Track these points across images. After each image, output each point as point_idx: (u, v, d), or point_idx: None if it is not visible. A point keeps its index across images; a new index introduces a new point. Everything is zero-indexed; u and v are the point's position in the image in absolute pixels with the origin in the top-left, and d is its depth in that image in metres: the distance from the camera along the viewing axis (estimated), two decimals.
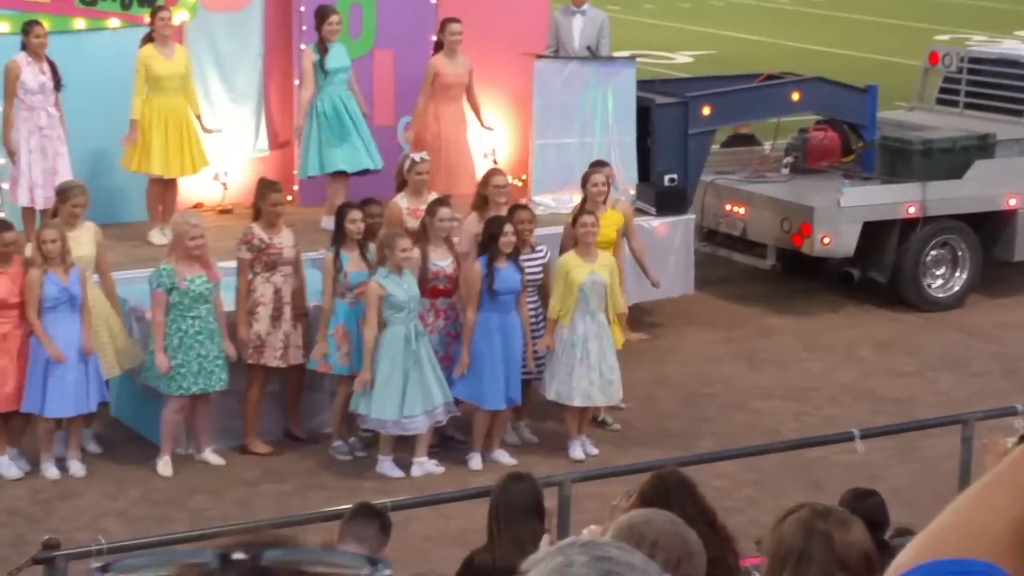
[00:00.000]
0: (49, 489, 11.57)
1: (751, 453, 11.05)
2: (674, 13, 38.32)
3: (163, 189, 14.09)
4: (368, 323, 11.70)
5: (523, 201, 13.80)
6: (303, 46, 14.59)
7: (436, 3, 15.39)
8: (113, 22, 14.34)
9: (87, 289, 11.80)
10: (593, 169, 13.28)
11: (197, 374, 11.78)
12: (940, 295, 16.32)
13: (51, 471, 11.74)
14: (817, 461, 11.77)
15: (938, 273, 16.31)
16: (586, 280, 12.16)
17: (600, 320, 12.28)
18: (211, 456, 12.09)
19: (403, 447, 12.02)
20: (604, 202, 13.04)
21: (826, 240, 15.64)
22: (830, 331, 15.67)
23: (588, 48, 15.38)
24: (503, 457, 12.17)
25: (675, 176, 15.12)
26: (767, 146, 17.86)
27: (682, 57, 31.21)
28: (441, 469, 11.98)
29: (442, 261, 12.13)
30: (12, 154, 13.28)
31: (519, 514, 7.16)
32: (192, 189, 14.85)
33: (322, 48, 14.21)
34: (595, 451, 12.43)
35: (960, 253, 16.29)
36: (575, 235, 12.37)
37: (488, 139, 15.80)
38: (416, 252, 11.97)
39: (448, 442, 12.42)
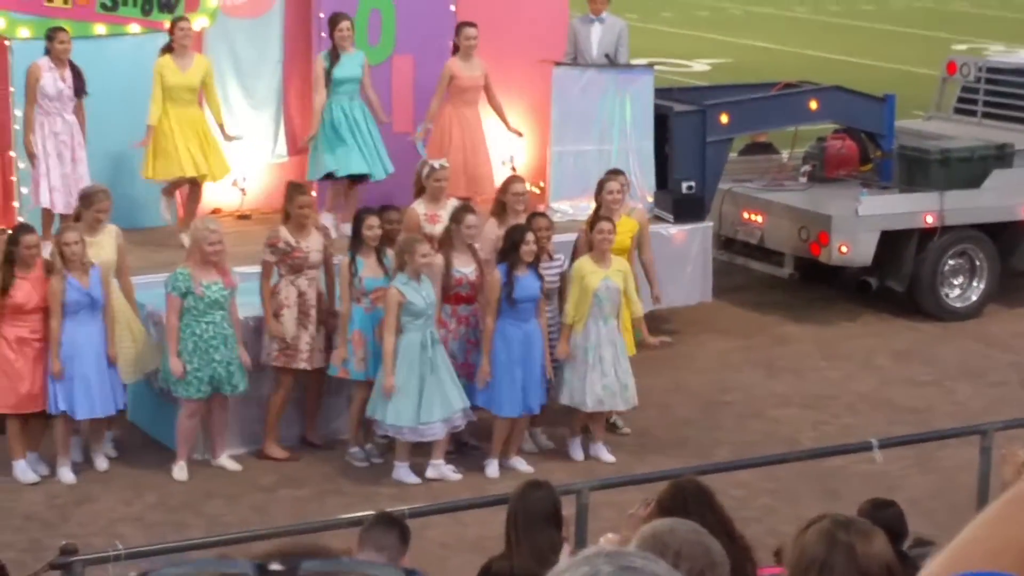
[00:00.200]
0: (65, 494, 11.58)
1: (769, 462, 11.03)
2: (692, 21, 38.32)
3: (187, 202, 14.11)
4: (388, 329, 11.70)
5: (541, 208, 13.80)
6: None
7: (455, 10, 15.40)
8: (133, 28, 14.38)
9: (109, 292, 11.82)
10: (608, 177, 13.28)
11: (211, 379, 11.80)
12: (958, 304, 16.29)
13: (67, 475, 11.76)
14: (835, 471, 11.75)
15: (956, 282, 16.28)
16: (600, 286, 12.17)
17: (613, 325, 12.30)
18: (227, 462, 12.10)
19: (419, 453, 12.02)
20: (618, 209, 13.04)
21: (844, 249, 15.62)
22: (848, 340, 15.64)
23: (606, 56, 15.38)
24: (520, 464, 12.17)
25: (693, 184, 15.12)
26: (785, 154, 17.85)
27: (699, 65, 31.20)
28: (458, 476, 11.97)
29: (465, 268, 12.12)
30: (32, 156, 13.32)
31: (537, 522, 7.16)
32: (211, 194, 14.87)
33: (334, 55, 14.23)
34: (612, 459, 12.43)
35: (978, 262, 16.26)
36: (591, 241, 12.37)
37: (506, 146, 15.80)
38: (437, 257, 11.97)
39: (464, 448, 12.42)
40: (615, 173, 13.42)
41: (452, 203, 12.93)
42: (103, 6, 14.24)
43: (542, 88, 15.22)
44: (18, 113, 13.67)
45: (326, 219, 13.87)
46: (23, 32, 13.85)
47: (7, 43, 13.93)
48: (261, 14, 15.09)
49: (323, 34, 14.69)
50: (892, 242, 15.79)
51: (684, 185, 15.09)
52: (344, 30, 14.19)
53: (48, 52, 13.33)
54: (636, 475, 10.55)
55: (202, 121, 13.95)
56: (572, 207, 14.61)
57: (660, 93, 15.59)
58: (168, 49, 13.82)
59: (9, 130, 13.79)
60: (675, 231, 14.87)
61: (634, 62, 16.09)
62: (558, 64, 15.19)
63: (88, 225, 12.08)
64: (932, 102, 18.63)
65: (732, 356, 15.12)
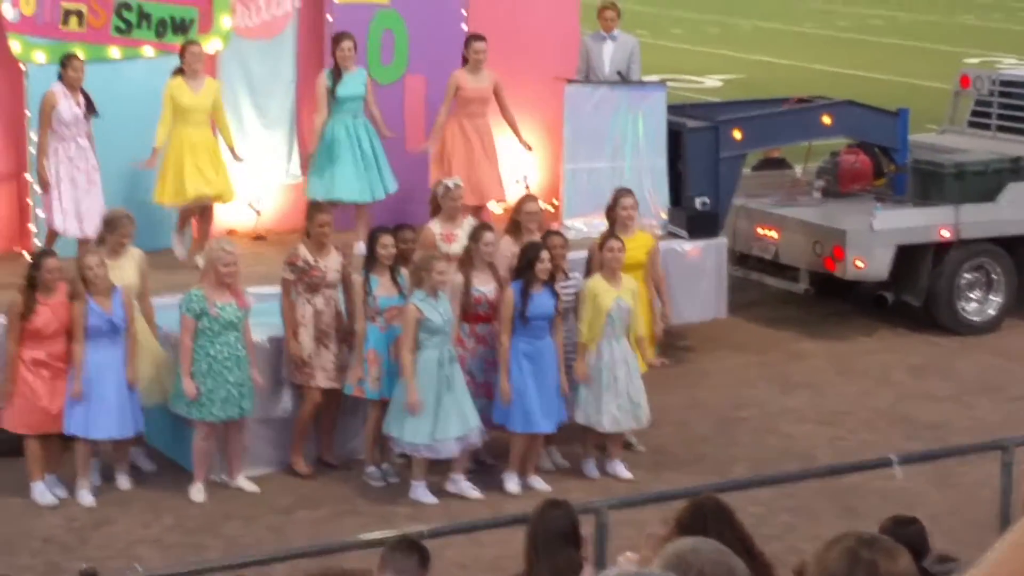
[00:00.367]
0: (83, 516, 11.58)
1: (788, 479, 10.99)
2: (703, 38, 38.35)
3: (199, 225, 14.14)
4: (406, 346, 11.70)
5: (555, 226, 13.79)
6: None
7: (467, 29, 15.42)
8: (147, 51, 14.41)
9: (132, 315, 11.83)
10: (621, 193, 13.29)
11: (225, 401, 11.79)
12: (975, 318, 16.25)
13: (86, 498, 11.76)
14: (853, 487, 11.70)
15: (972, 296, 16.25)
16: (613, 305, 12.17)
17: (625, 344, 12.29)
18: (244, 483, 12.10)
19: (436, 472, 12.00)
20: (632, 224, 13.05)
21: (859, 263, 15.59)
22: (864, 355, 15.61)
23: (618, 73, 15.38)
24: (538, 483, 12.15)
25: (707, 200, 15.12)
26: (798, 170, 17.83)
27: (711, 81, 31.22)
28: (477, 492, 11.95)
29: (484, 287, 12.12)
30: (45, 183, 13.34)
31: (556, 541, 7.13)
32: (225, 215, 14.89)
33: (336, 74, 14.26)
34: (629, 475, 12.42)
35: (994, 276, 16.23)
36: (601, 259, 12.35)
37: (520, 164, 15.82)
38: (456, 276, 11.95)
39: (482, 467, 12.41)
40: (627, 190, 13.44)
41: (468, 222, 12.93)
42: (117, 29, 14.28)
43: (554, 106, 15.24)
44: (33, 136, 13.70)
45: (360, 248, 13.85)
46: (38, 56, 13.89)
47: (23, 67, 13.96)
48: (274, 35, 15.12)
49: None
50: (908, 256, 15.76)
51: (698, 201, 15.08)
52: (346, 49, 14.24)
53: (61, 78, 13.37)
54: (654, 493, 10.50)
55: (211, 143, 13.99)
56: (586, 224, 14.60)
57: (673, 109, 15.59)
58: (179, 72, 13.86)
59: (25, 153, 13.83)
60: (689, 247, 14.85)
61: (646, 79, 16.08)
62: (570, 81, 15.21)
63: (111, 249, 12.12)
64: (946, 116, 18.60)
65: (748, 372, 15.09)
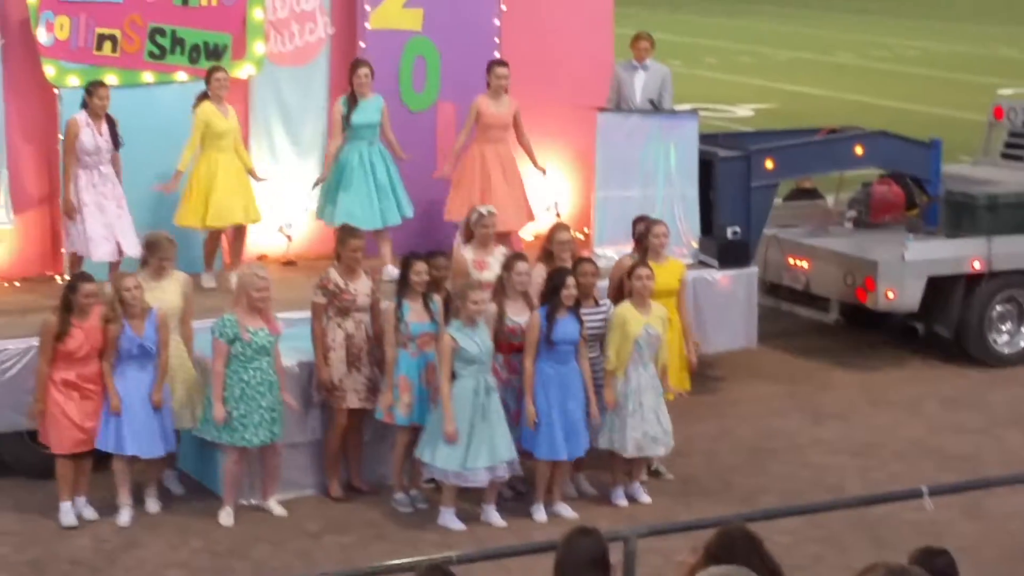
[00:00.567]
0: (112, 539, 11.61)
1: (817, 509, 10.94)
2: (735, 67, 38.37)
3: (232, 246, 14.21)
4: (444, 376, 11.71)
5: (586, 254, 13.80)
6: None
7: (499, 56, 15.45)
8: (180, 76, 14.48)
9: (167, 338, 11.88)
10: (654, 221, 13.31)
11: (258, 425, 11.82)
12: (1006, 350, 16.21)
13: (124, 516, 11.84)
14: (883, 518, 11.66)
15: (1004, 328, 16.20)
16: (642, 332, 12.16)
17: (652, 371, 12.29)
18: (275, 506, 12.12)
19: (466, 499, 11.99)
20: (663, 252, 13.08)
21: (890, 294, 15.57)
22: (895, 386, 15.56)
23: (650, 101, 15.40)
24: (565, 510, 12.14)
25: (738, 229, 15.11)
26: (830, 200, 17.82)
27: (743, 110, 31.22)
28: (503, 523, 11.93)
29: (519, 317, 12.11)
30: (70, 209, 13.40)
31: (584, 569, 7.10)
32: (256, 241, 14.95)
33: (352, 101, 14.32)
34: (648, 499, 12.42)
35: None
36: (631, 287, 12.34)
37: (551, 192, 15.85)
38: (490, 305, 11.96)
39: (516, 493, 12.39)
40: (644, 216, 13.50)
41: (501, 250, 12.96)
42: (151, 55, 14.36)
43: (586, 134, 15.26)
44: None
45: (389, 271, 13.91)
46: (72, 81, 13.97)
47: (56, 91, 14.05)
48: (307, 62, 15.19)
49: None
50: (939, 288, 15.74)
51: (729, 230, 15.07)
52: (362, 76, 14.30)
53: (86, 106, 13.43)
54: (684, 522, 10.48)
55: (239, 166, 14.09)
56: (617, 252, 14.57)
57: (704, 139, 15.60)
58: (205, 96, 13.93)
59: (58, 177, 13.89)
60: (720, 276, 14.85)
61: (678, 108, 16.11)
62: (602, 110, 15.23)
63: (153, 271, 12.22)
64: (980, 147, 18.57)
65: (778, 402, 15.07)
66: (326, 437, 12.38)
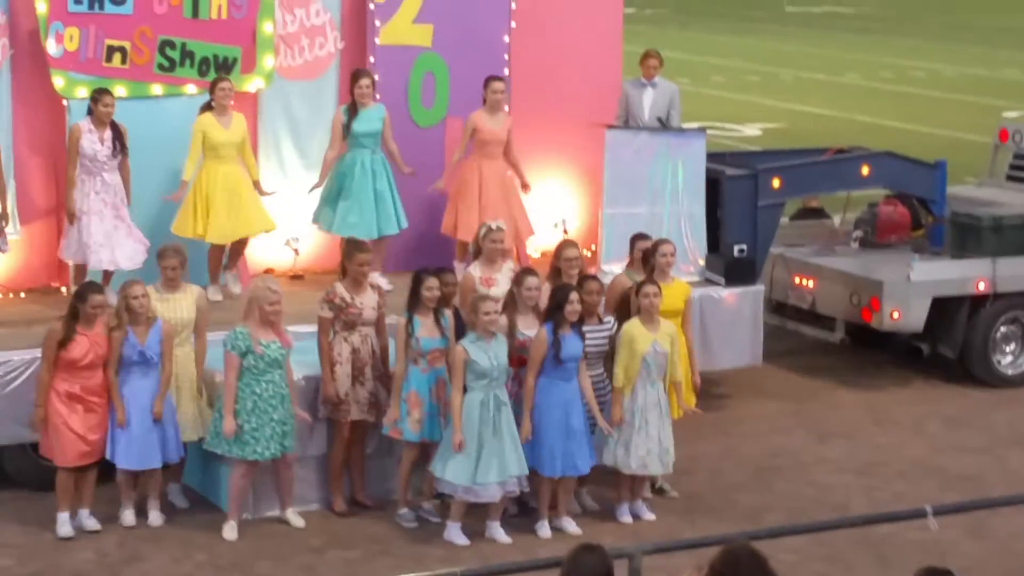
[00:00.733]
0: (115, 552, 11.61)
1: (821, 528, 10.96)
2: (743, 86, 38.41)
3: (231, 249, 14.25)
4: (455, 387, 11.73)
5: (593, 271, 13.81)
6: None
7: (508, 73, 15.49)
8: (190, 88, 14.50)
9: (170, 351, 11.90)
10: (660, 240, 13.33)
11: (270, 439, 11.83)
12: (1010, 371, 16.22)
13: (128, 518, 11.90)
14: (887, 537, 11.67)
15: (1008, 349, 16.22)
16: (649, 349, 12.17)
17: (659, 389, 12.30)
18: (293, 517, 12.13)
19: (474, 516, 11.99)
20: (670, 271, 13.09)
21: (895, 315, 15.58)
22: (899, 406, 15.58)
23: (658, 119, 15.43)
24: (570, 526, 12.14)
25: (744, 247, 15.13)
26: (836, 220, 17.85)
27: (750, 129, 31.25)
28: (508, 540, 11.93)
29: (529, 331, 12.11)
30: (72, 215, 13.46)
31: None
32: (263, 254, 14.97)
33: (352, 110, 14.35)
34: (652, 516, 12.42)
35: None
36: (639, 305, 12.36)
37: (558, 208, 15.88)
38: (501, 319, 11.96)
39: (527, 510, 12.38)
40: (646, 234, 13.53)
41: (509, 266, 12.97)
42: (160, 67, 14.39)
43: (593, 151, 15.28)
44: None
45: (374, 278, 13.95)
46: (81, 92, 13.98)
47: (65, 103, 14.08)
48: (317, 76, 15.21)
49: (378, 96, 14.79)
50: (944, 308, 15.76)
51: (736, 248, 15.09)
52: (364, 87, 14.33)
53: (91, 112, 13.47)
54: (689, 539, 10.51)
55: (241, 177, 14.09)
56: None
57: (712, 157, 15.63)
58: (207, 107, 13.97)
59: (64, 190, 13.88)
60: (726, 294, 14.87)
61: (686, 126, 16.14)
62: (610, 127, 15.26)
63: (163, 281, 12.24)
64: (985, 168, 18.59)
65: (783, 420, 15.08)
66: (329, 451, 12.39)
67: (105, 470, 11.93)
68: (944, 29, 53.40)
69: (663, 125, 15.39)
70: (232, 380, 11.78)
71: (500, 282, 12.69)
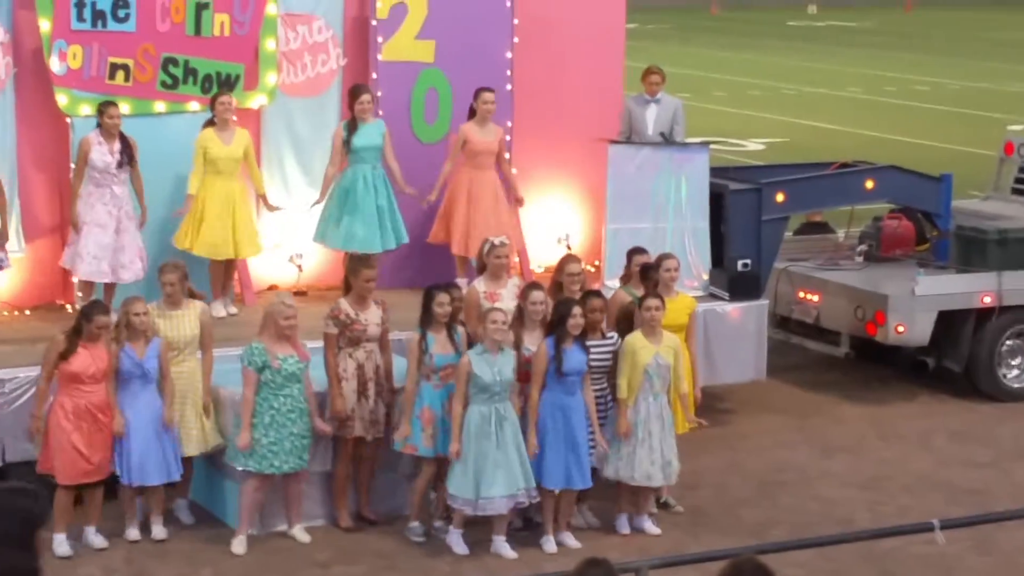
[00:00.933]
0: (122, 568, 11.60)
1: (827, 542, 10.95)
2: (746, 100, 38.40)
3: (226, 266, 14.28)
4: (458, 397, 11.75)
5: (596, 286, 13.81)
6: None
7: (511, 88, 15.51)
8: (193, 105, 14.53)
9: (167, 368, 11.90)
10: (664, 254, 13.33)
11: (289, 452, 11.84)
12: (1016, 385, 16.19)
13: (132, 533, 11.90)
14: (892, 552, 11.65)
15: (1014, 363, 16.19)
16: (651, 361, 12.18)
17: (662, 401, 12.30)
18: (300, 533, 12.12)
19: (480, 526, 11.95)
20: (673, 286, 13.09)
21: (900, 329, 15.57)
22: (904, 420, 15.56)
23: (661, 134, 15.43)
24: (570, 540, 12.13)
25: (748, 262, 15.13)
26: (841, 234, 17.84)
27: (753, 144, 31.25)
28: (513, 554, 11.91)
29: (534, 346, 12.11)
30: (75, 225, 13.48)
31: None
32: (267, 271, 14.98)
33: (352, 125, 14.37)
34: (657, 531, 12.42)
35: None
36: (642, 318, 12.36)
37: (561, 223, 15.88)
38: (507, 334, 11.95)
39: (531, 524, 12.38)
40: (643, 248, 13.54)
41: (514, 281, 12.97)
42: (164, 84, 14.41)
43: (596, 166, 15.29)
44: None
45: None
46: (85, 110, 14.02)
47: (69, 120, 14.10)
48: (319, 93, 15.23)
49: (381, 112, 14.81)
50: (949, 322, 15.74)
51: (740, 263, 15.09)
52: (364, 102, 14.36)
53: (99, 125, 13.52)
54: (694, 554, 10.49)
55: (239, 195, 14.12)
56: None
57: (715, 172, 15.64)
58: (209, 123, 14.00)
59: (70, 206, 13.90)
60: (731, 309, 14.87)
61: (689, 140, 16.15)
62: (613, 142, 15.26)
63: (164, 297, 12.25)
64: (990, 182, 18.58)
65: (787, 435, 15.06)
66: (334, 467, 12.38)
67: (109, 488, 11.91)
68: (948, 43, 53.41)
69: (666, 140, 15.39)
70: (250, 395, 11.79)
71: (504, 297, 12.68)
